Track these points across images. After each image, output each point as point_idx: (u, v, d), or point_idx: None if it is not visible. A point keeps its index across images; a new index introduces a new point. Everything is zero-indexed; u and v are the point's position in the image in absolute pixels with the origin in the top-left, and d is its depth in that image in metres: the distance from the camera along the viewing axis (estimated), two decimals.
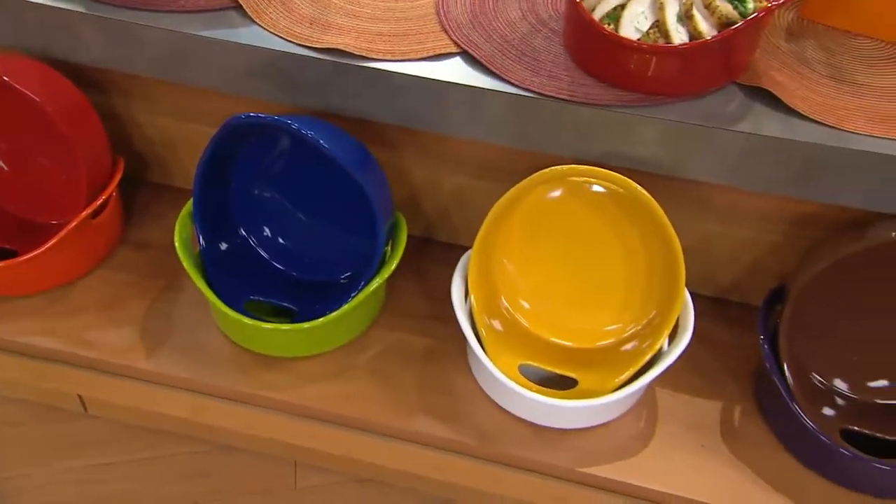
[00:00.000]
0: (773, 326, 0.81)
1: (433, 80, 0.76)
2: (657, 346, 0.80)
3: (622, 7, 0.74)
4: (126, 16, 0.80)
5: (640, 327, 0.83)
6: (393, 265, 0.84)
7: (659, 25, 0.73)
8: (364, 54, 0.77)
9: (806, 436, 0.78)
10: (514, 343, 0.85)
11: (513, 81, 0.75)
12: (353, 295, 0.82)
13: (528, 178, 0.77)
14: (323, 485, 1.01)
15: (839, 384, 0.84)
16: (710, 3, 0.71)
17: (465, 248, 0.85)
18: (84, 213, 0.87)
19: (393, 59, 0.77)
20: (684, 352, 0.78)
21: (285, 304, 0.90)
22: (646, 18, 0.73)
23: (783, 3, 0.71)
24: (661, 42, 0.72)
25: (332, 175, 0.81)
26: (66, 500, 1.00)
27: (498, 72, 0.76)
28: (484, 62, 0.77)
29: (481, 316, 0.83)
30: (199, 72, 0.82)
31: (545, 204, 0.81)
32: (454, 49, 0.79)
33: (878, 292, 0.80)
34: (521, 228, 0.83)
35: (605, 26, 0.72)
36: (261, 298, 0.89)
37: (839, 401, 0.83)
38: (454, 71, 0.77)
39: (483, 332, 0.82)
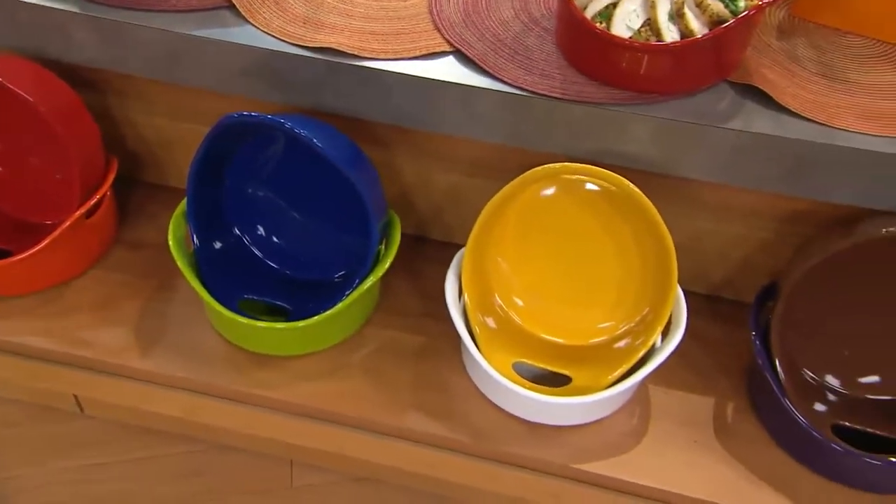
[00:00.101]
0: (765, 323, 0.81)
1: (426, 78, 0.76)
2: (650, 343, 0.80)
3: (614, 5, 0.74)
4: (119, 16, 0.80)
5: (633, 324, 0.83)
6: (387, 264, 0.84)
7: (650, 23, 0.73)
8: (357, 53, 0.77)
9: (798, 431, 0.78)
10: (507, 341, 0.85)
11: (505, 80, 0.76)
12: (347, 293, 0.82)
13: (521, 176, 0.78)
14: (319, 484, 1.01)
15: (830, 380, 0.85)
16: (701, 2, 0.71)
17: (459, 247, 0.85)
18: (78, 213, 0.87)
19: (386, 57, 0.77)
20: (677, 349, 0.78)
21: (279, 303, 0.90)
22: (637, 16, 0.73)
23: (774, 1, 0.71)
24: (652, 40, 0.72)
25: (325, 174, 0.81)
26: (62, 500, 1.00)
27: (491, 70, 0.76)
28: (477, 61, 0.77)
29: (475, 314, 0.83)
30: (193, 71, 0.82)
31: (538, 202, 0.82)
32: (447, 48, 0.79)
33: (868, 288, 0.81)
34: (515, 226, 0.84)
35: (597, 24, 0.73)
36: (255, 297, 0.89)
37: (830, 396, 0.84)
38: (447, 70, 0.77)
39: (477, 330, 0.82)
